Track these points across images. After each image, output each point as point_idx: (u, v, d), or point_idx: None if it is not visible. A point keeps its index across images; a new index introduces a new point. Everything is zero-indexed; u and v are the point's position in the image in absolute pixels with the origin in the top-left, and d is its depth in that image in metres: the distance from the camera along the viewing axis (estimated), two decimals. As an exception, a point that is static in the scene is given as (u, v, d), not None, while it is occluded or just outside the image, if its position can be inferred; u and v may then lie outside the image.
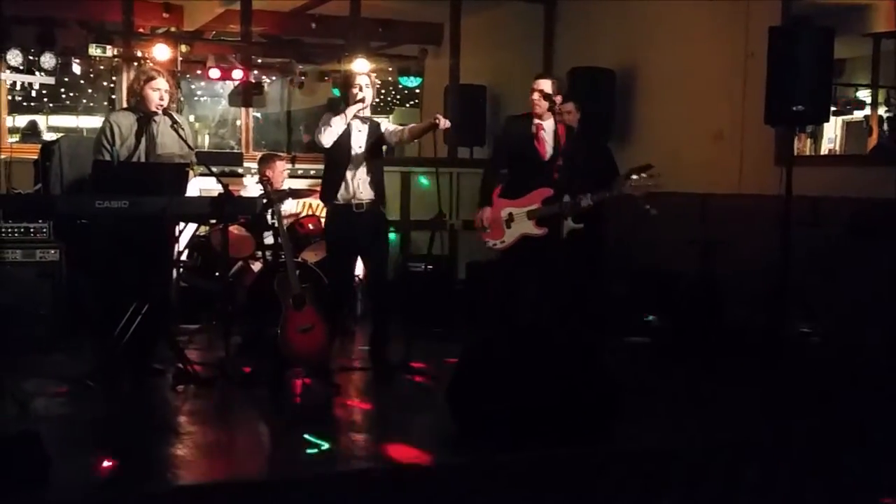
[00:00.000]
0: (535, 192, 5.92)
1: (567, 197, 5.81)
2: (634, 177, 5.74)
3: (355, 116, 5.70)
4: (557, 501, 3.76)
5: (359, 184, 5.73)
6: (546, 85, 5.86)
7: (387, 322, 5.95)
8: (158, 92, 5.48)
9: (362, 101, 5.66)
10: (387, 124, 5.90)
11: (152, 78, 5.49)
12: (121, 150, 5.47)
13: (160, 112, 5.51)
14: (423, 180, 8.64)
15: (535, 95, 5.87)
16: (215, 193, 5.37)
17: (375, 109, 5.95)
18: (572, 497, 3.81)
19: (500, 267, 6.28)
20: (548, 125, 5.92)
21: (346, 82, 5.86)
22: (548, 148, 5.92)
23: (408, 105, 13.34)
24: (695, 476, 4.15)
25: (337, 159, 5.75)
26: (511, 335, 4.94)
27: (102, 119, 5.83)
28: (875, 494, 4.01)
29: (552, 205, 5.84)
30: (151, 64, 5.82)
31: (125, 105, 5.80)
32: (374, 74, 5.98)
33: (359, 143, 5.75)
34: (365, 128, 5.78)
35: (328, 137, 5.64)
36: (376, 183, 5.79)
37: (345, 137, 5.69)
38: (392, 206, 8.48)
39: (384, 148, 5.93)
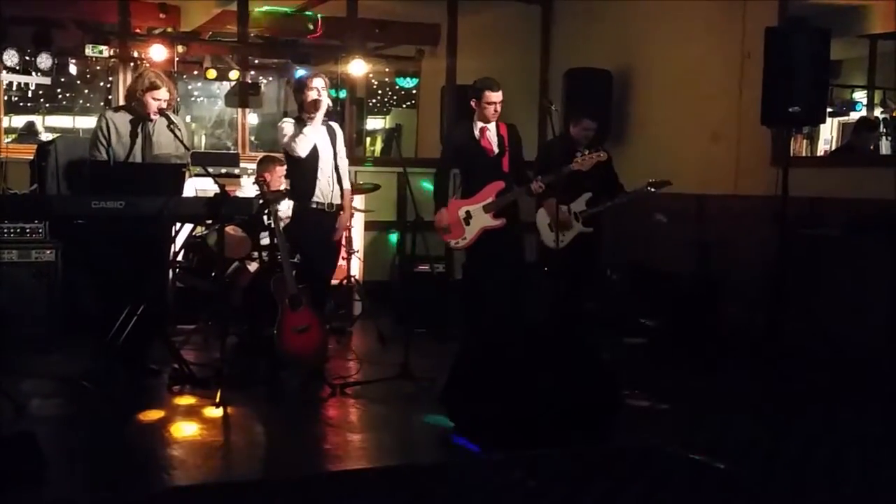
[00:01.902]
0: (488, 187, 6.25)
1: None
2: (580, 155, 6.26)
3: (311, 117, 5.76)
4: (556, 501, 3.76)
5: (330, 185, 5.85)
6: (499, 96, 6.21)
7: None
8: (159, 102, 5.50)
9: (329, 106, 5.76)
10: (342, 146, 6.02)
11: (156, 87, 5.49)
12: (116, 147, 5.47)
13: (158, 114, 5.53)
14: (426, 184, 8.63)
15: (495, 107, 6.21)
16: (211, 194, 5.36)
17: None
18: (571, 497, 3.80)
19: (467, 265, 6.65)
20: (491, 126, 6.30)
21: (301, 87, 5.84)
22: (493, 146, 6.28)
23: (404, 106, 13.33)
24: (694, 476, 4.15)
25: (306, 163, 5.80)
26: (508, 335, 4.93)
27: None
28: (874, 494, 4.01)
29: (506, 196, 6.23)
30: (154, 69, 5.76)
31: (122, 104, 5.79)
32: (326, 80, 6.00)
33: (323, 146, 5.84)
34: (323, 129, 5.86)
35: (304, 147, 5.73)
36: (339, 186, 5.93)
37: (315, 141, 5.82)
38: (390, 206, 8.52)
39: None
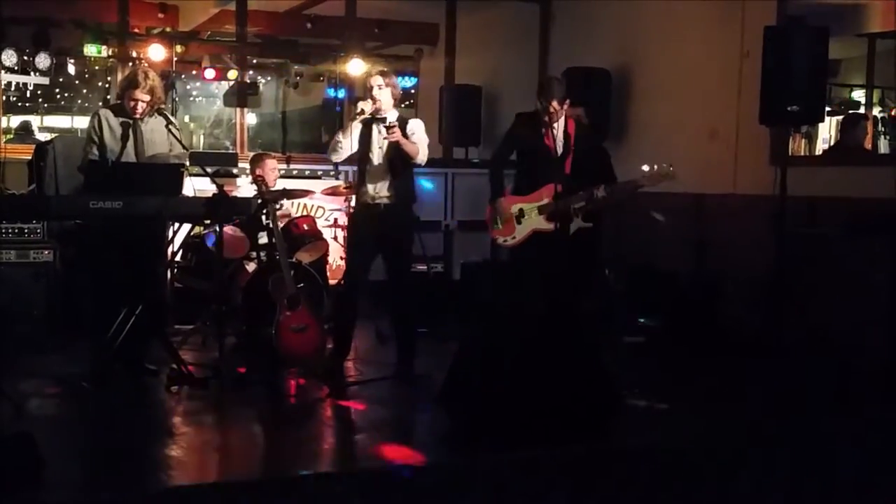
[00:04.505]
0: (545, 187, 5.94)
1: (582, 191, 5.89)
2: (646, 168, 5.85)
3: (374, 118, 5.62)
4: (554, 501, 3.76)
5: (378, 184, 5.68)
6: (556, 104, 5.83)
7: (411, 320, 5.91)
8: (134, 101, 5.45)
9: (361, 112, 5.59)
10: (414, 126, 5.71)
11: (134, 86, 5.44)
12: (111, 144, 5.45)
13: (153, 115, 5.52)
14: (426, 183, 8.64)
15: (548, 111, 5.84)
16: (210, 194, 5.36)
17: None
18: (569, 497, 3.80)
19: (511, 263, 6.30)
20: (558, 124, 5.96)
21: (363, 85, 5.85)
22: (558, 144, 5.95)
23: (403, 105, 13.32)
24: (693, 476, 4.15)
25: (360, 159, 5.75)
26: (506, 334, 4.93)
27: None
28: (872, 495, 4.01)
29: (563, 200, 5.85)
30: (145, 68, 5.69)
31: (117, 101, 5.77)
32: (389, 75, 5.81)
33: (378, 145, 5.67)
34: (385, 128, 5.64)
35: (337, 156, 5.72)
36: (399, 184, 5.68)
37: (365, 138, 5.69)
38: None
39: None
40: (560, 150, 5.95)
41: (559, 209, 5.86)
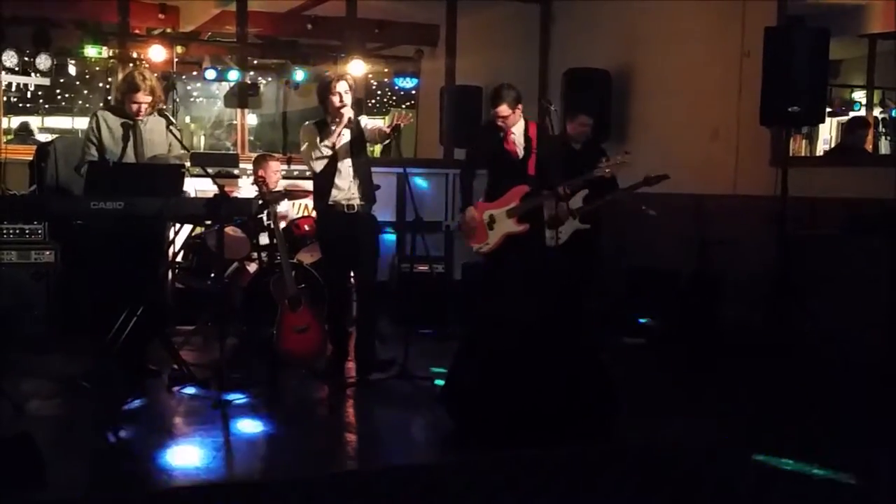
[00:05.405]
0: (512, 190, 6.04)
1: (545, 191, 5.99)
2: (604, 160, 6.20)
3: (335, 122, 5.65)
4: (554, 500, 3.76)
5: (349, 186, 5.72)
6: (503, 109, 5.93)
7: (372, 326, 5.96)
8: (137, 105, 5.45)
9: (349, 120, 5.61)
10: (365, 121, 5.87)
11: (134, 90, 5.42)
12: (110, 145, 5.45)
13: (153, 115, 5.51)
14: (421, 181, 8.65)
15: (499, 121, 5.99)
16: (210, 194, 5.36)
17: (371, 110, 5.94)
18: (569, 496, 3.80)
19: (487, 269, 6.37)
20: (517, 128, 6.05)
21: (325, 90, 5.70)
22: (519, 148, 6.04)
23: (404, 106, 13.34)
24: (691, 475, 4.15)
25: (327, 163, 5.73)
26: (506, 333, 4.93)
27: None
28: (873, 495, 4.01)
29: (530, 200, 5.99)
30: (141, 70, 5.66)
31: (114, 102, 5.75)
32: (351, 77, 5.86)
33: (343, 146, 5.71)
34: (347, 131, 5.71)
35: (320, 165, 5.67)
36: (364, 184, 5.78)
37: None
38: (388, 207, 8.51)
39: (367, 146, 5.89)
40: (521, 153, 6.04)
41: (527, 209, 5.97)
